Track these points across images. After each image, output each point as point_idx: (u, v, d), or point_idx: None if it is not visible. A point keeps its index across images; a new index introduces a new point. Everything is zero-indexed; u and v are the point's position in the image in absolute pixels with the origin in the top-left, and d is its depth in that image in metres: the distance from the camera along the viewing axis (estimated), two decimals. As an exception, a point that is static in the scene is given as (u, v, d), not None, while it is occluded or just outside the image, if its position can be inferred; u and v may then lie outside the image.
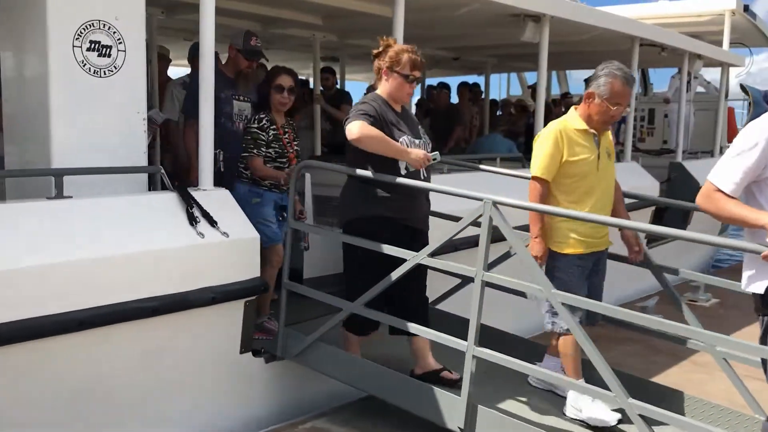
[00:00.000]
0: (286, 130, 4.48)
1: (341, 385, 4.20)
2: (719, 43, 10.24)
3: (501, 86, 15.45)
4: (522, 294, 4.00)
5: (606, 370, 3.08)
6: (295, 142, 4.53)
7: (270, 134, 4.34)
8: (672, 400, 3.70)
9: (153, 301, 3.52)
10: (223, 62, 4.75)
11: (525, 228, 3.69)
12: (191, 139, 4.51)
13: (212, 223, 3.82)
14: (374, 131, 3.66)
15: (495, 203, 3.31)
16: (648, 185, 7.74)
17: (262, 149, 4.32)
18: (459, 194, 3.53)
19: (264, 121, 4.36)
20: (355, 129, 3.65)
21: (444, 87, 10.14)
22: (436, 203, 4.08)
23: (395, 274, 3.66)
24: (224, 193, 4.08)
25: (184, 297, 3.64)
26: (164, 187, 3.89)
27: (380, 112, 3.77)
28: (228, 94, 4.62)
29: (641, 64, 8.75)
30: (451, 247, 4.13)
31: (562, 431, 3.46)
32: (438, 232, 3.86)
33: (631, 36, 7.73)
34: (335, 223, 4.79)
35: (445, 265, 3.60)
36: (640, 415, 2.99)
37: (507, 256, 4.08)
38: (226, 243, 3.83)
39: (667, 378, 4.42)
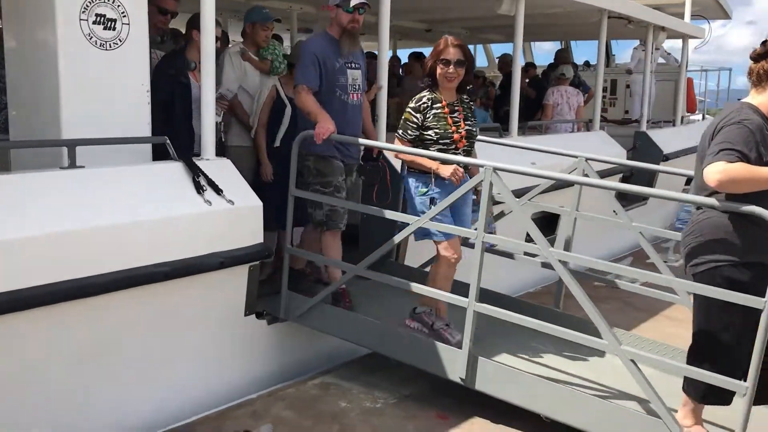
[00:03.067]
0: (456, 108, 4.09)
1: (342, 344, 4.45)
2: (681, 16, 10.59)
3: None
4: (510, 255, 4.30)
5: (601, 321, 3.35)
6: (467, 122, 4.10)
7: (429, 115, 4.00)
8: (652, 349, 4.02)
9: (165, 266, 3.66)
10: (328, 27, 4.48)
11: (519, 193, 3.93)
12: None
13: (218, 191, 3.96)
14: (742, 172, 2.86)
15: (495, 169, 3.52)
16: (617, 152, 8.06)
17: (409, 132, 4.03)
18: (462, 162, 3.74)
19: (424, 101, 4.03)
20: (717, 176, 2.87)
21: (420, 57, 10.24)
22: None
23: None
24: (226, 163, 4.22)
25: (195, 262, 3.78)
26: (169, 158, 4.01)
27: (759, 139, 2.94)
28: (342, 63, 4.39)
29: (607, 36, 9.03)
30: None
31: (556, 381, 3.72)
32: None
33: (600, 8, 7.98)
34: None
35: (448, 227, 3.82)
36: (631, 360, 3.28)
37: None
38: (232, 210, 3.97)
39: (645, 332, 4.73)
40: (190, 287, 3.83)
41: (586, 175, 4.39)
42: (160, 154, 4.05)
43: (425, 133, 4.02)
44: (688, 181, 10.09)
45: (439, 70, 4.00)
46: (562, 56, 10.15)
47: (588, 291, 3.44)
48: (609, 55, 14.01)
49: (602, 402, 3.49)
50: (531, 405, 3.61)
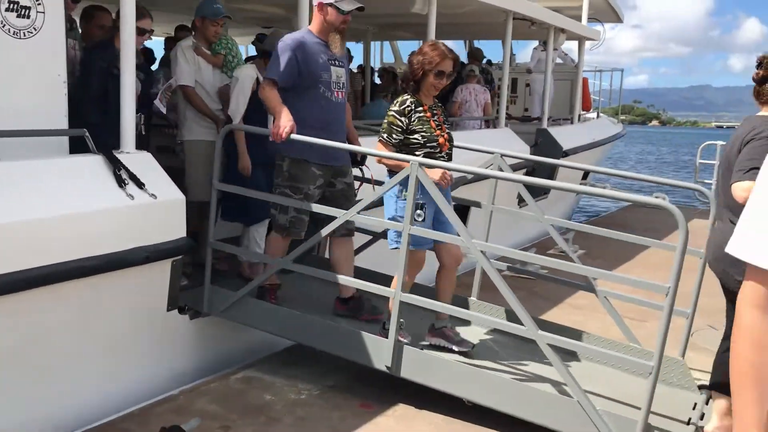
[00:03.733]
0: (435, 111, 4.09)
1: (264, 338, 4.47)
2: (578, 18, 11.16)
3: (376, 55, 15.78)
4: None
5: (519, 308, 3.55)
6: (446, 125, 4.13)
7: (414, 119, 3.95)
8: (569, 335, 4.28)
9: (88, 261, 3.58)
10: (310, 24, 4.35)
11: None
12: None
13: (140, 185, 3.90)
14: None
15: (421, 164, 3.66)
16: (521, 148, 8.44)
17: (394, 136, 3.95)
18: (389, 157, 3.86)
19: (408, 104, 3.97)
20: (744, 194, 3.03)
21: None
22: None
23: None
24: (147, 156, 4.15)
25: (118, 257, 3.72)
26: (88, 150, 3.90)
27: None
28: (325, 59, 4.23)
29: (511, 36, 9.40)
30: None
31: (477, 366, 3.90)
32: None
33: (506, 10, 8.31)
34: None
35: (376, 221, 3.92)
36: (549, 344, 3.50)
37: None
38: (155, 204, 3.92)
39: (552, 320, 5.01)
40: (112, 282, 3.76)
41: (501, 170, 4.61)
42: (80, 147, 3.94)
43: (411, 137, 3.95)
44: (585, 175, 10.70)
45: (431, 79, 3.95)
46: (476, 54, 10.47)
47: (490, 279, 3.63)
48: (510, 54, 14.56)
49: (520, 384, 3.70)
50: (453, 390, 3.78)
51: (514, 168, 7.73)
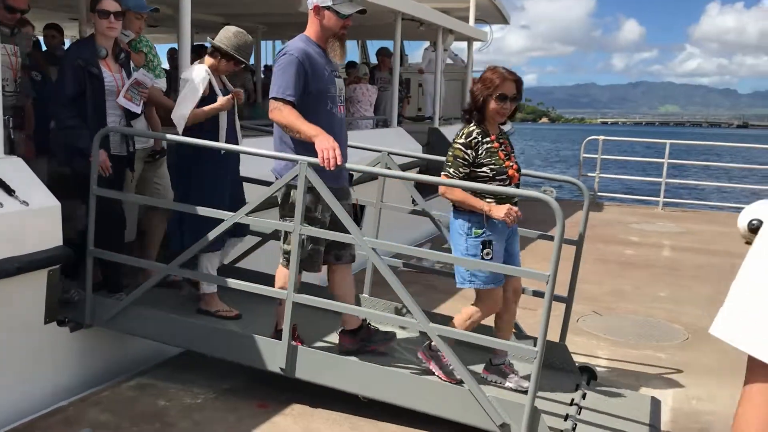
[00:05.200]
0: (501, 140, 3.78)
1: (154, 344, 4.32)
2: (466, 20, 11.46)
3: (268, 53, 15.60)
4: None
5: (410, 301, 3.60)
6: (513, 153, 3.84)
7: (481, 151, 3.66)
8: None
9: (-46, 275, 3.35)
10: (308, 31, 3.87)
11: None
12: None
13: (9, 191, 3.68)
14: None
15: (309, 164, 3.64)
16: (414, 148, 8.58)
17: (460, 170, 3.65)
18: (276, 156, 3.82)
19: (474, 135, 3.67)
20: None
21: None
22: (247, 168, 4.33)
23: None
24: (17, 161, 3.92)
25: (-11, 268, 3.50)
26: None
27: None
28: (329, 71, 3.86)
29: (401, 37, 9.54)
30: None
31: (368, 362, 3.92)
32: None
33: (395, 10, 8.42)
34: None
35: (265, 223, 3.88)
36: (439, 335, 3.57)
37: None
38: (27, 212, 3.72)
39: (447, 311, 5.12)
40: (-19, 296, 3.53)
41: (389, 168, 4.66)
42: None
43: (478, 170, 3.66)
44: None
45: (493, 105, 3.67)
46: (386, 53, 10.43)
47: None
48: (402, 55, 14.79)
49: (412, 377, 3.76)
50: (346, 386, 3.79)
51: (408, 167, 7.89)
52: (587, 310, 6.14)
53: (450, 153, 3.71)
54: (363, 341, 4.06)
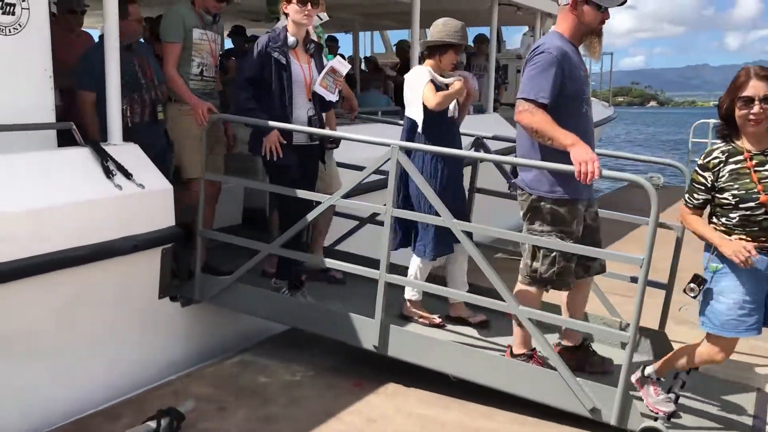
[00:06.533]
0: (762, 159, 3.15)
1: (256, 323, 4.57)
2: (566, 3, 11.18)
3: (366, 45, 15.80)
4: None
5: (500, 284, 3.65)
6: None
7: (723, 173, 3.17)
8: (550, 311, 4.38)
9: (78, 251, 3.67)
10: (557, 27, 3.65)
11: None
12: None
13: (127, 175, 3.99)
14: None
15: (401, 148, 3.75)
16: (512, 135, 8.49)
17: (696, 196, 3.24)
18: (369, 141, 3.95)
19: (715, 155, 3.19)
20: None
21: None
22: (344, 154, 4.47)
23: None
24: (134, 147, 4.23)
25: (108, 246, 3.81)
26: (75, 143, 3.99)
27: None
28: (583, 71, 3.66)
29: (498, 22, 9.47)
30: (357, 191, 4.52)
31: (466, 346, 3.98)
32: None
33: (492, -5, 8.39)
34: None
35: (357, 205, 4.02)
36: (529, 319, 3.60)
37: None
38: (143, 194, 4.01)
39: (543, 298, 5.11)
40: (103, 272, 3.85)
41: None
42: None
43: (719, 196, 3.18)
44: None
45: (738, 112, 3.13)
46: (483, 40, 10.38)
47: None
48: (500, 40, 14.61)
49: (502, 359, 3.80)
50: (439, 366, 3.87)
51: (504, 153, 7.84)
52: (690, 299, 5.93)
53: (690, 177, 3.33)
54: (580, 361, 3.87)
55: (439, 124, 4.17)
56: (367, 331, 3.95)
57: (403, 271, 4.37)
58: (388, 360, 4.01)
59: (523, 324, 3.66)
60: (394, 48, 12.70)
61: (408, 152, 3.95)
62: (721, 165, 3.17)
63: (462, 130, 5.13)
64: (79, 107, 4.38)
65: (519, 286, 3.75)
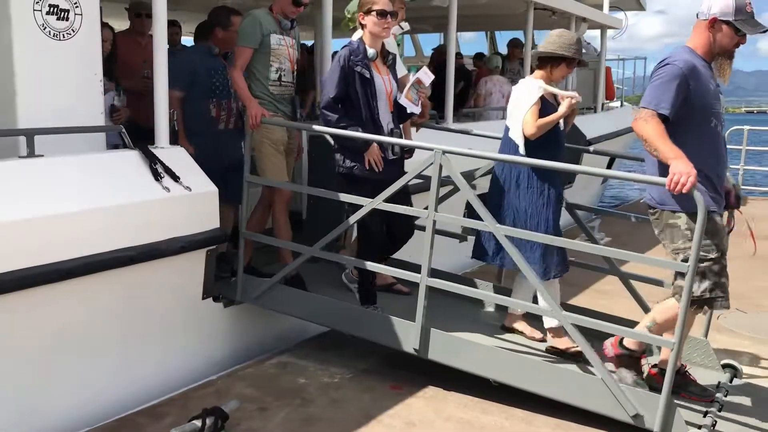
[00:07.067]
0: None
1: (294, 325, 4.63)
2: (599, 7, 11.16)
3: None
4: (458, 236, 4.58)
5: (542, 289, 3.66)
6: None
7: None
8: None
9: (128, 252, 3.75)
10: (688, 40, 3.63)
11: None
12: None
13: (175, 178, 4.07)
14: None
15: (444, 152, 3.77)
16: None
17: None
18: (412, 146, 3.98)
19: None
20: None
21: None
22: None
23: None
24: (180, 151, 4.32)
25: (158, 246, 3.89)
26: (125, 146, 4.09)
27: None
28: (714, 85, 3.60)
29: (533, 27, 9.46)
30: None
31: (507, 350, 4.02)
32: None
33: (527, 0, 8.37)
34: None
35: (402, 209, 4.04)
36: (573, 324, 3.60)
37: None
38: (189, 196, 4.09)
39: (578, 305, 5.11)
40: (151, 272, 3.93)
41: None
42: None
43: None
44: (610, 163, 10.71)
45: None
46: (518, 44, 10.32)
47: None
48: (533, 45, 14.55)
49: (544, 364, 3.81)
50: (479, 370, 3.89)
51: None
52: (731, 308, 5.88)
53: None
54: (679, 386, 3.75)
55: (543, 143, 4.04)
56: (407, 334, 3.98)
57: (444, 276, 4.39)
58: (426, 364, 4.04)
59: (568, 331, 3.67)
60: (428, 51, 12.74)
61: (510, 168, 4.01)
62: None
63: (494, 133, 5.11)
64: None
65: (670, 306, 3.58)
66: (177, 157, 4.21)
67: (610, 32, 11.99)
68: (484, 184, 4.51)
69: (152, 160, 4.00)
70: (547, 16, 9.29)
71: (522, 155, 4.03)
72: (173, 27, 7.70)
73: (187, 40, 7.86)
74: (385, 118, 4.27)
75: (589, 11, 10.06)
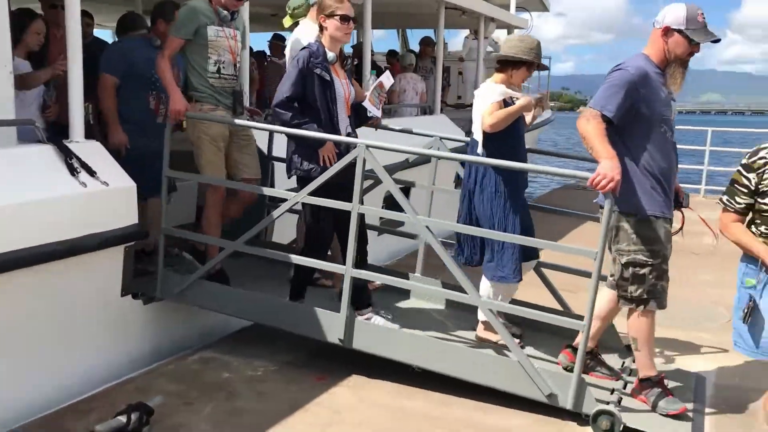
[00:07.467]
0: None
1: (219, 319, 4.61)
2: (506, 7, 11.55)
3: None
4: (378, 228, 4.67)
5: (462, 276, 3.81)
6: None
7: (767, 176, 3.08)
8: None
9: (46, 248, 3.65)
10: (647, 49, 3.69)
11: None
12: None
13: (91, 173, 3.98)
14: None
15: (368, 146, 3.86)
16: (458, 133, 8.73)
17: (737, 199, 3.16)
18: (337, 140, 4.05)
19: (762, 155, 3.09)
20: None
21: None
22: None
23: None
24: (96, 145, 4.22)
25: (74, 243, 3.80)
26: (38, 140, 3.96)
27: None
28: (666, 93, 3.65)
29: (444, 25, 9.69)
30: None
31: (428, 337, 4.14)
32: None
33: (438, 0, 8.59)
34: None
35: (326, 202, 4.09)
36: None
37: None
38: (107, 191, 4.02)
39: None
40: (68, 269, 3.83)
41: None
42: None
43: (762, 201, 3.11)
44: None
45: None
46: (429, 42, 10.50)
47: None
48: (444, 43, 14.88)
49: (462, 348, 3.97)
50: (401, 357, 4.00)
51: (456, 152, 8.05)
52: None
53: (731, 178, 3.28)
54: (590, 367, 3.96)
55: (503, 138, 4.05)
56: (332, 324, 4.05)
57: (372, 268, 4.49)
58: (350, 355, 4.12)
59: (485, 315, 3.83)
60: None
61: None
62: (766, 167, 3.08)
63: (418, 129, 5.28)
64: (100, 89, 4.71)
65: (637, 320, 3.69)
66: (93, 152, 4.12)
67: (516, 32, 12.43)
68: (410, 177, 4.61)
69: (67, 155, 3.90)
70: (457, 15, 9.55)
71: (481, 154, 4.05)
72: (85, 18, 7.44)
73: (100, 33, 7.63)
74: (344, 121, 4.29)
75: (496, 11, 10.41)
